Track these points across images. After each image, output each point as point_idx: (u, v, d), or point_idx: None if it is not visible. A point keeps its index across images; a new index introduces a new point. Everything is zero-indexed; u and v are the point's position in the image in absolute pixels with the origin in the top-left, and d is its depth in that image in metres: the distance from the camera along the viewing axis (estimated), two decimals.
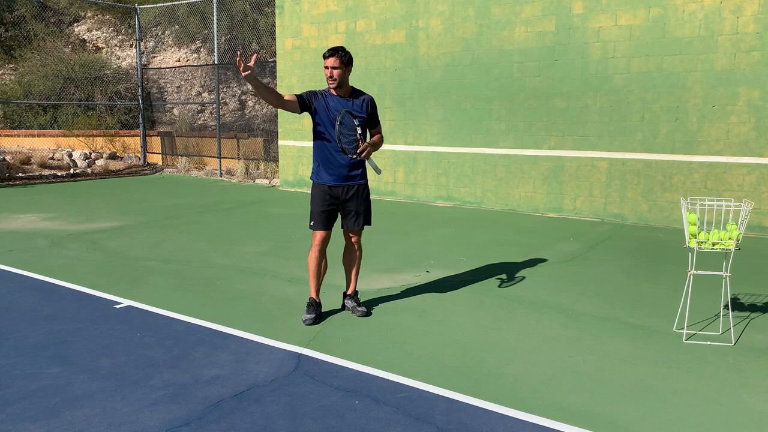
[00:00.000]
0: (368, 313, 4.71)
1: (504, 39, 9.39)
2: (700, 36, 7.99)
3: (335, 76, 4.42)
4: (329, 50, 4.43)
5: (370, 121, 4.63)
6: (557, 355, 4.00)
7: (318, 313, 4.61)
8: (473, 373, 3.71)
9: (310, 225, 4.65)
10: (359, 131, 4.42)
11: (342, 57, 4.41)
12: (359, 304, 4.77)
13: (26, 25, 17.80)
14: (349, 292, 4.86)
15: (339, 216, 4.72)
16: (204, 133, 15.32)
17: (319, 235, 4.61)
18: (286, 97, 4.49)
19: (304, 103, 4.50)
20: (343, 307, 4.86)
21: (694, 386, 3.56)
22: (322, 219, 4.60)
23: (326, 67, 4.42)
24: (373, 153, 4.58)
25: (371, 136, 4.69)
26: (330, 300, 5.01)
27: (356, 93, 4.60)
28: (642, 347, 4.13)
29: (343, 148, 4.36)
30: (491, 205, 9.79)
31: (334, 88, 4.49)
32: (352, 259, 4.81)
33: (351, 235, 4.75)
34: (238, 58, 4.14)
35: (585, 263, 6.38)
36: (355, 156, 4.43)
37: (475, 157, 9.88)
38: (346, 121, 4.40)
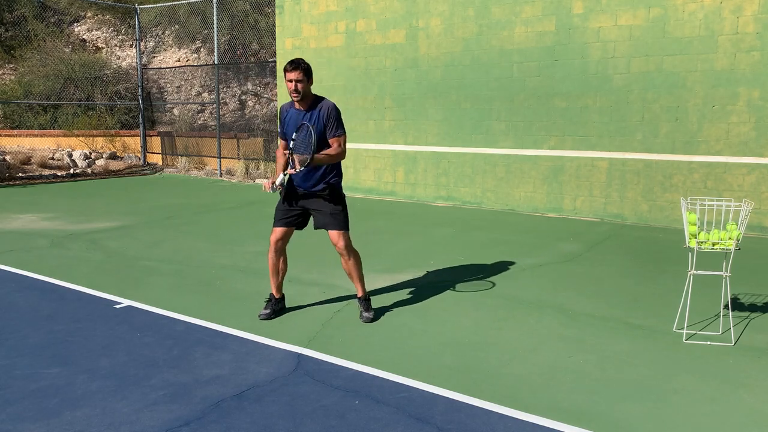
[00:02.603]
0: (373, 320, 4.61)
1: (504, 39, 9.39)
2: (700, 36, 7.99)
3: (300, 89, 4.36)
4: (291, 63, 4.34)
5: (327, 128, 4.46)
6: (557, 355, 4.00)
7: (274, 309, 4.68)
8: (473, 373, 3.71)
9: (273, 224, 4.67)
10: (291, 145, 4.38)
11: (305, 69, 4.36)
12: (366, 310, 4.67)
13: (26, 25, 17.80)
14: (359, 295, 4.75)
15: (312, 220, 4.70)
16: (204, 133, 15.32)
17: (274, 232, 4.61)
18: (282, 150, 4.57)
19: (284, 135, 4.56)
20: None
21: (694, 386, 3.56)
22: (280, 216, 4.60)
23: (290, 81, 4.34)
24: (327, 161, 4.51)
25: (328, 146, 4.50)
26: (330, 299, 5.01)
27: (316, 102, 4.49)
28: (642, 347, 4.13)
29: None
30: (491, 205, 9.79)
31: (299, 101, 4.44)
32: (345, 265, 4.68)
33: (332, 241, 4.59)
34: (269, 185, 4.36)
35: (585, 263, 6.38)
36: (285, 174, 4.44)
37: (475, 157, 9.87)
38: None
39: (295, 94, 4.38)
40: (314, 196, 4.57)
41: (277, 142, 13.09)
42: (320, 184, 4.54)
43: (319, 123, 4.42)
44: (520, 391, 3.47)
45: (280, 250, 4.66)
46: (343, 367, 3.79)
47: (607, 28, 8.58)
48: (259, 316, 4.64)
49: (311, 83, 4.46)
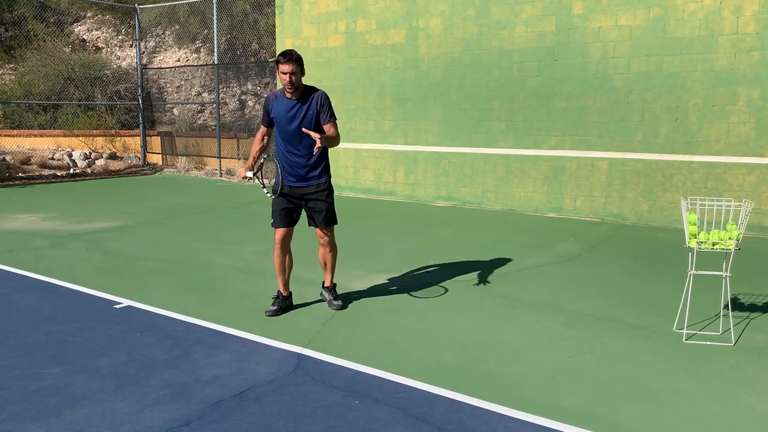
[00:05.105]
0: (344, 307, 4.81)
1: (504, 39, 9.39)
2: (700, 36, 7.99)
3: (294, 81, 4.40)
4: (284, 56, 4.36)
5: (320, 117, 4.55)
6: (557, 355, 4.00)
7: (281, 306, 4.73)
8: (473, 373, 3.71)
9: (271, 223, 4.72)
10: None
11: (298, 60, 4.40)
12: (336, 298, 4.87)
13: (26, 25, 17.79)
14: (326, 284, 4.93)
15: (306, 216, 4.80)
16: (204, 133, 15.32)
17: (278, 232, 4.67)
18: (261, 135, 4.73)
19: (269, 122, 4.66)
20: (321, 296, 4.98)
21: (694, 386, 3.56)
22: (282, 216, 4.65)
23: (284, 73, 4.37)
24: (332, 147, 4.66)
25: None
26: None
27: (308, 92, 4.56)
28: (642, 347, 4.13)
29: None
30: (491, 205, 9.79)
31: (293, 93, 4.48)
32: (324, 256, 4.85)
33: (320, 234, 4.77)
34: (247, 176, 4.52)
35: (585, 263, 6.38)
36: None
37: (475, 157, 9.87)
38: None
39: (289, 87, 4.43)
40: (310, 195, 4.66)
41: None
42: (314, 181, 4.64)
43: (312, 111, 4.52)
44: (521, 391, 3.47)
45: (286, 249, 4.74)
46: (343, 367, 3.79)
47: (607, 28, 8.58)
48: (265, 312, 4.69)
49: (303, 74, 4.50)
